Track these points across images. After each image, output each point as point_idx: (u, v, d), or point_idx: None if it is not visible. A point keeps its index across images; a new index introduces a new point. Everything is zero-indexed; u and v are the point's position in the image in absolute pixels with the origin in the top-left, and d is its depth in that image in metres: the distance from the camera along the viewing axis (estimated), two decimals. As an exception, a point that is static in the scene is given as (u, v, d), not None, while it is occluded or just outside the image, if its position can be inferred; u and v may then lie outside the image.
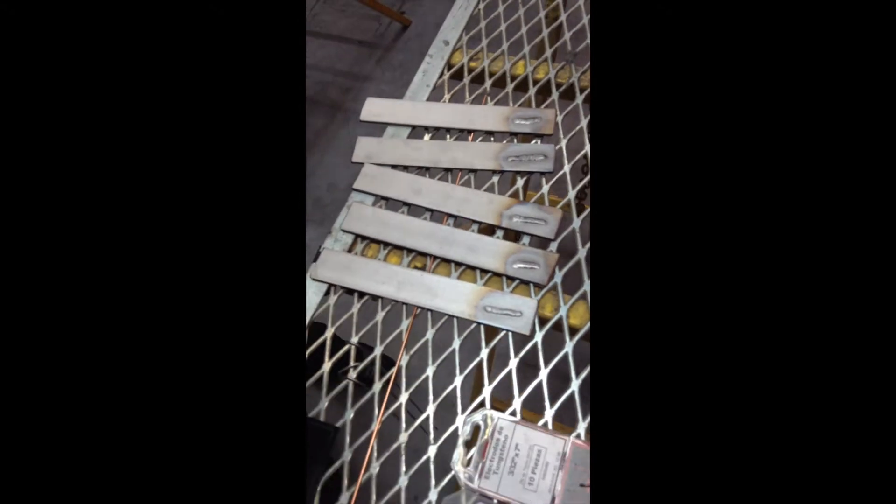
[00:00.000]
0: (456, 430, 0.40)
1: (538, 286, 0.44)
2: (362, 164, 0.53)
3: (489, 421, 0.40)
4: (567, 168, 0.49)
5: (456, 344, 0.44)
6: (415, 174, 0.52)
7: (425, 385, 0.43)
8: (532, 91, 0.54)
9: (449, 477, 0.39)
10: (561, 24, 0.57)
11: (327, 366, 0.45)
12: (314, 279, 0.48)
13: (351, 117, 1.80)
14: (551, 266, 0.45)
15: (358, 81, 1.88)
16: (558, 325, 0.43)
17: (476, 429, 0.40)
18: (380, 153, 0.53)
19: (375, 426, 0.42)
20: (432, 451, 0.40)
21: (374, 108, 0.56)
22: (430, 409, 0.42)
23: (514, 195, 0.49)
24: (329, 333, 0.46)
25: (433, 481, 0.39)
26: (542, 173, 0.49)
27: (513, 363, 0.42)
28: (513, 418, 0.40)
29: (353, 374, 0.44)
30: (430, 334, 0.45)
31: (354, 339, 0.46)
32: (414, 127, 0.54)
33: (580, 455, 0.37)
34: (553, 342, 0.43)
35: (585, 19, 0.56)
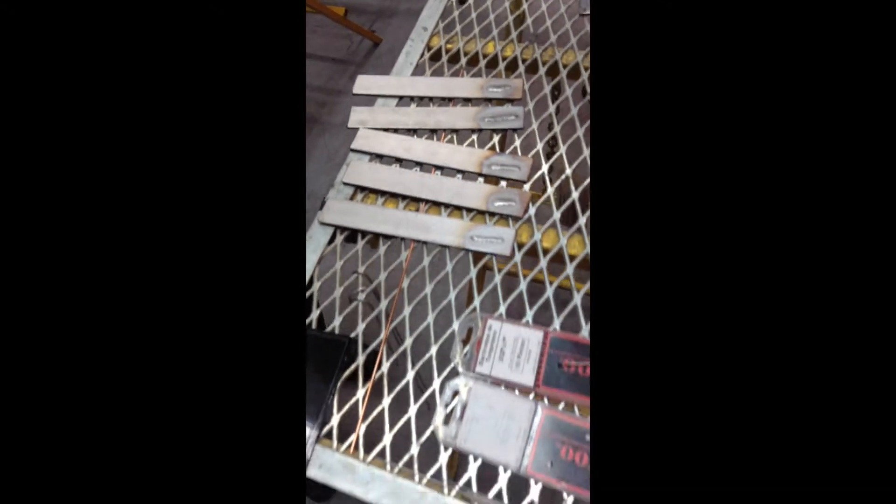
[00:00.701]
0: (453, 332, 0.48)
1: (515, 218, 0.53)
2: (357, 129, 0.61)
3: (480, 322, 0.47)
4: (535, 125, 0.58)
5: (449, 267, 0.52)
6: (404, 136, 0.60)
7: (424, 300, 0.50)
8: (502, 66, 0.63)
9: (449, 368, 0.46)
10: (524, 11, 0.67)
11: (338, 291, 0.52)
12: (322, 223, 0.55)
13: (327, 129, 1.87)
14: (525, 202, 0.53)
15: (333, 96, 1.97)
16: (533, 249, 0.51)
17: (470, 330, 0.48)
18: (372, 119, 0.61)
19: (384, 334, 0.49)
20: (434, 349, 0.48)
21: (364, 83, 0.64)
22: (430, 318, 0.49)
23: (492, 148, 0.58)
24: (338, 266, 0.53)
25: (436, 372, 0.46)
26: (514, 130, 0.58)
27: (497, 278, 0.50)
28: (499, 317, 0.47)
29: (362, 297, 0.51)
30: (426, 261, 0.52)
31: (361, 269, 0.53)
32: (401, 97, 0.63)
33: (557, 342, 0.45)
34: (529, 262, 0.51)
35: (545, 6, 0.66)
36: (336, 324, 0.50)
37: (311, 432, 0.45)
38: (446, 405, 0.44)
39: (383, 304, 0.51)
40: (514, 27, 0.66)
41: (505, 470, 0.41)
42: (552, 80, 0.61)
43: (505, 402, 0.43)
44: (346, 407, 0.46)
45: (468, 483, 0.41)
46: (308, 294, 0.52)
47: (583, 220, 0.51)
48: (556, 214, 0.52)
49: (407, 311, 0.50)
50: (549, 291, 0.49)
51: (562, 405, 0.43)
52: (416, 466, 0.43)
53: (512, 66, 0.64)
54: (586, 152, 0.56)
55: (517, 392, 0.44)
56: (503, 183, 0.55)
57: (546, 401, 0.43)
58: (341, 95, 1.94)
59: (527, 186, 0.55)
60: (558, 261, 0.51)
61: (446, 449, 0.43)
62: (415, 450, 0.43)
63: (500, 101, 0.60)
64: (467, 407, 0.43)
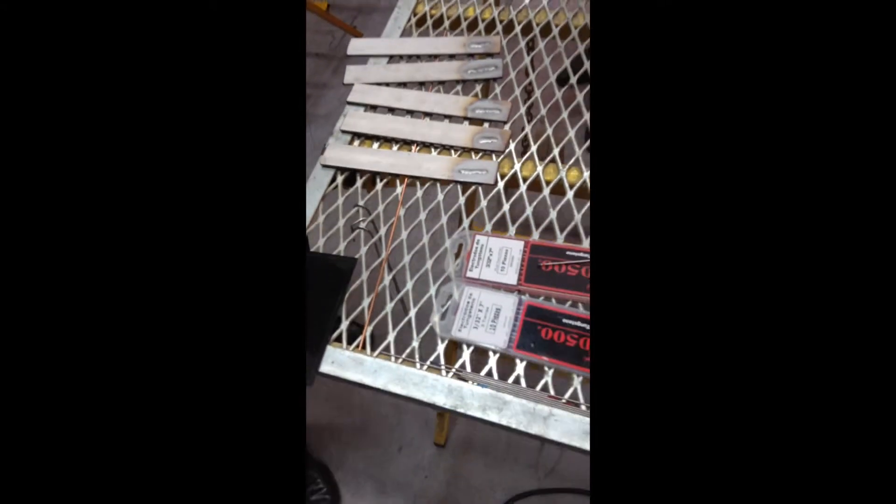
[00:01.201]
0: (446, 249, 0.54)
1: (498, 153, 0.59)
2: (352, 84, 0.67)
3: (469, 238, 0.54)
4: (512, 75, 0.65)
5: (440, 196, 0.58)
6: (395, 88, 0.66)
7: (420, 226, 0.57)
8: (482, 26, 0.70)
9: (443, 277, 0.52)
10: None
11: (342, 222, 0.58)
12: (324, 165, 0.61)
13: (312, 121, 1.93)
14: (506, 139, 0.60)
15: (317, 89, 2.02)
16: (514, 178, 0.58)
17: (460, 246, 0.54)
18: (366, 75, 0.67)
19: (385, 254, 0.55)
20: (429, 263, 0.54)
21: (357, 45, 0.71)
22: (426, 239, 0.55)
23: (475, 96, 0.64)
24: (340, 201, 0.59)
25: (432, 282, 0.52)
26: (495, 79, 0.65)
27: (483, 203, 0.56)
28: (485, 233, 0.54)
29: (363, 225, 0.57)
30: (419, 193, 0.59)
31: (361, 202, 0.59)
32: (391, 56, 0.69)
33: (535, 248, 0.52)
34: (510, 190, 0.57)
35: None
36: (341, 248, 0.56)
37: (332, 348, 0.50)
38: (442, 305, 0.50)
39: (382, 230, 0.57)
40: None
41: (494, 353, 0.47)
42: (526, 37, 0.68)
43: (493, 298, 0.50)
44: (353, 314, 0.52)
45: (463, 365, 0.47)
46: (314, 225, 0.58)
47: (556, 151, 0.58)
48: (534, 148, 0.59)
49: (404, 234, 0.56)
50: (529, 210, 0.55)
51: (541, 298, 0.49)
52: (417, 356, 0.49)
53: (490, 27, 0.70)
54: (559, 94, 0.63)
55: (503, 290, 0.50)
56: (486, 124, 0.62)
57: (528, 295, 0.50)
58: (325, 89, 2.00)
59: (507, 126, 0.61)
60: (536, 188, 0.57)
61: (443, 341, 0.49)
62: (416, 343, 0.49)
63: (482, 56, 0.67)
64: (460, 305, 0.50)
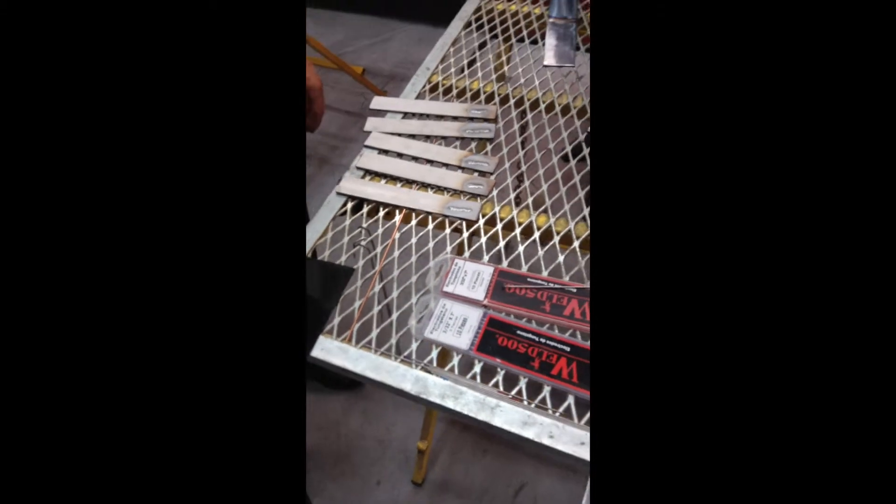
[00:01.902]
0: (430, 268, 0.64)
1: (482, 196, 0.71)
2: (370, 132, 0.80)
3: (450, 261, 0.64)
4: (503, 137, 0.78)
5: (430, 227, 0.69)
6: (405, 138, 0.79)
7: (410, 248, 0.67)
8: (482, 97, 0.84)
9: (424, 290, 0.62)
10: (502, 61, 0.88)
11: (346, 239, 0.69)
12: (338, 193, 0.73)
13: (336, 169, 2.09)
14: (490, 186, 0.72)
15: (343, 142, 2.21)
16: (493, 218, 0.69)
17: (441, 266, 0.64)
18: (382, 126, 0.81)
19: (378, 267, 0.65)
20: (414, 278, 0.64)
21: (379, 101, 0.85)
22: (413, 259, 0.66)
23: (470, 150, 0.77)
24: (347, 223, 0.71)
25: (414, 294, 0.62)
26: (488, 139, 0.78)
27: (465, 234, 0.67)
28: (463, 258, 0.64)
29: (363, 243, 0.68)
30: (413, 223, 0.70)
31: (364, 224, 0.70)
32: (405, 113, 0.83)
33: (503, 274, 0.62)
34: (492, 225, 0.68)
35: (517, 59, 0.88)
36: (342, 259, 0.67)
37: (323, 338, 0.60)
38: (420, 312, 0.60)
39: (378, 249, 0.68)
40: (494, 72, 0.88)
41: (457, 353, 0.57)
42: (518, 109, 0.82)
43: (462, 310, 0.59)
44: (345, 314, 0.62)
45: (430, 361, 0.57)
46: (323, 240, 0.69)
47: (530, 200, 0.70)
48: (512, 195, 0.70)
49: (396, 254, 0.67)
50: (501, 244, 0.66)
51: (502, 313, 0.59)
52: (393, 351, 0.58)
53: (490, 98, 0.84)
54: (538, 156, 0.75)
55: (471, 305, 0.60)
56: (475, 174, 0.74)
57: (491, 310, 0.59)
58: (351, 142, 2.18)
59: (492, 177, 0.73)
60: (510, 227, 0.68)
61: (417, 340, 0.58)
62: (394, 340, 0.59)
63: (480, 120, 0.80)
64: (434, 313, 0.60)
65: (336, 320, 0.61)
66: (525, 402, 0.53)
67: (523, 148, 0.77)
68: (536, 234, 0.67)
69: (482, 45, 0.91)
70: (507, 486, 1.36)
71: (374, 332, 0.60)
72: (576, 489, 1.34)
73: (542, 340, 0.56)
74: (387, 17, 2.77)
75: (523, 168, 0.73)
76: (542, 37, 0.93)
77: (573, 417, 0.52)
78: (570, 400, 0.53)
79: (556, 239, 0.66)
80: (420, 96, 0.86)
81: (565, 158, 0.75)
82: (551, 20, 0.95)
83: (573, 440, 0.50)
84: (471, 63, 0.90)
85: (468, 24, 0.97)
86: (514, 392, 0.53)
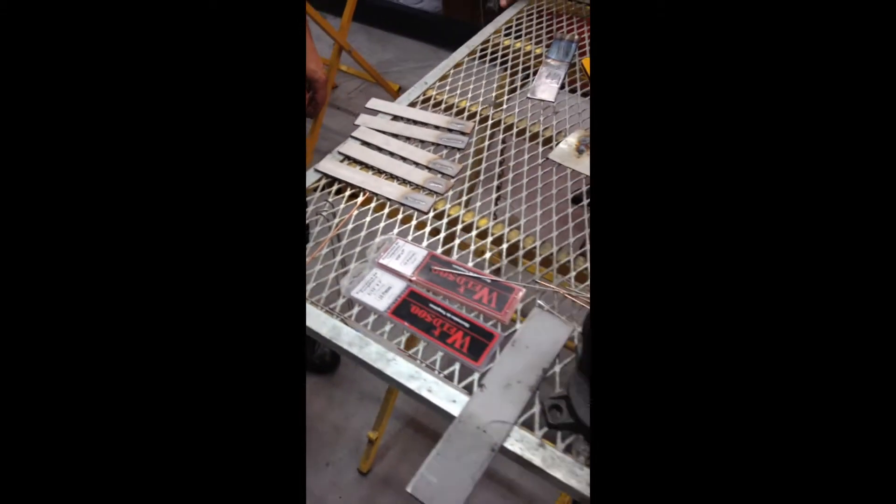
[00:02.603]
0: (374, 243, 0.73)
1: (438, 194, 0.80)
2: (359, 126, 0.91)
3: (392, 240, 0.73)
4: (471, 150, 0.87)
5: (386, 210, 0.79)
6: (388, 136, 0.89)
7: (362, 226, 0.77)
8: (465, 114, 0.94)
9: (363, 260, 0.71)
10: (504, 91, 0.99)
11: (311, 208, 0.79)
12: (315, 170, 0.83)
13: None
14: (448, 187, 0.81)
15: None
16: (441, 213, 0.78)
17: (384, 243, 0.73)
18: (371, 122, 0.91)
19: (332, 233, 0.75)
20: (358, 248, 0.73)
21: (374, 103, 0.96)
22: (363, 233, 0.75)
23: (440, 155, 0.86)
24: (315, 196, 0.81)
25: (355, 260, 0.71)
26: (458, 148, 0.87)
27: (413, 223, 0.76)
28: (405, 240, 0.73)
29: (325, 213, 0.78)
30: (373, 205, 0.79)
31: (330, 199, 0.80)
32: (395, 116, 0.93)
33: (433, 259, 0.70)
34: (439, 220, 0.77)
35: (506, 91, 0.98)
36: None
37: None
38: (354, 276, 0.69)
39: (335, 221, 0.77)
40: (495, 98, 0.98)
41: (374, 314, 0.65)
42: (490, 129, 0.91)
43: (390, 279, 0.68)
44: None
45: (350, 316, 0.65)
46: None
47: (478, 203, 0.78)
48: (464, 198, 0.79)
49: (349, 227, 0.76)
50: (442, 235, 0.75)
51: (424, 289, 0.67)
52: (322, 302, 0.67)
53: (472, 116, 0.94)
54: (498, 170, 0.84)
55: (398, 277, 0.69)
56: (439, 175, 0.83)
57: (413, 285, 0.68)
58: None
59: (453, 180, 0.82)
60: (454, 224, 0.77)
61: (344, 297, 0.67)
62: (324, 294, 0.68)
63: (457, 132, 0.90)
64: (365, 278, 0.68)
65: (283, 270, 0.71)
66: (418, 362, 0.60)
67: (501, 165, 0.86)
68: (473, 232, 0.75)
69: (480, 72, 1.02)
70: (447, 493, 1.40)
71: (311, 285, 0.69)
72: (511, 509, 1.38)
73: (448, 315, 0.64)
74: (436, 45, 2.94)
75: (482, 177, 0.82)
76: (535, 73, 1.03)
77: (454, 381, 0.59)
78: (456, 366, 0.60)
79: (489, 240, 0.74)
80: (412, 105, 0.97)
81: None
82: (548, 60, 1.05)
83: (447, 397, 0.57)
84: (465, 85, 1.00)
85: (473, 52, 1.08)
86: (411, 351, 0.61)
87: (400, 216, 0.79)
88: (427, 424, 1.52)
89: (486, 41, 1.11)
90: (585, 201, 0.78)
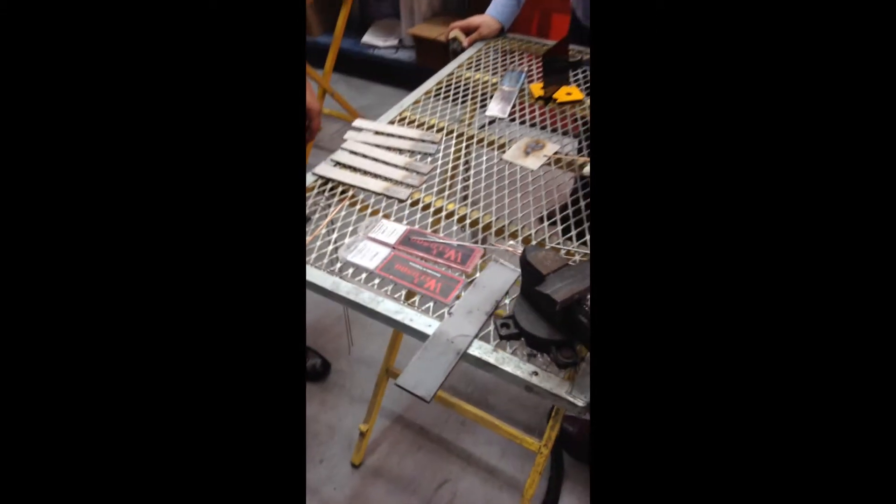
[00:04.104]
0: (362, 224, 0.91)
1: (414, 186, 0.99)
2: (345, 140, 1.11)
3: (377, 221, 0.91)
4: (440, 155, 1.07)
5: (371, 200, 0.97)
6: (371, 146, 1.09)
7: (354, 210, 0.95)
8: (435, 129, 1.15)
9: (356, 235, 0.89)
10: (473, 111, 1.20)
11: (309, 202, 0.97)
12: (312, 173, 1.02)
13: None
14: (420, 181, 1.00)
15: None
16: (416, 201, 0.97)
17: (371, 223, 0.91)
18: (357, 136, 1.11)
19: (329, 217, 0.93)
20: (351, 228, 0.91)
21: (359, 122, 1.16)
22: (354, 216, 0.93)
23: (414, 159, 1.06)
24: (313, 193, 0.99)
25: (348, 236, 0.89)
26: (430, 154, 1.07)
27: (394, 208, 0.95)
28: (388, 220, 0.91)
29: (321, 204, 0.96)
30: (359, 197, 0.98)
31: (326, 195, 0.98)
32: (376, 132, 1.14)
33: (413, 232, 0.89)
34: (414, 207, 0.96)
35: (468, 110, 1.19)
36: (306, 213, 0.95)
37: None
38: (349, 247, 0.87)
39: (331, 210, 0.95)
40: (449, 115, 1.19)
41: (366, 272, 0.82)
42: (458, 142, 1.12)
43: (376, 248, 0.86)
44: None
45: (346, 275, 0.82)
46: None
47: (446, 193, 0.97)
48: (435, 188, 0.99)
49: (343, 213, 0.95)
50: (418, 215, 0.93)
51: (404, 253, 0.85)
52: (324, 266, 0.84)
53: (440, 131, 1.15)
54: (462, 168, 1.03)
55: (384, 246, 0.86)
56: (414, 173, 1.03)
57: (396, 251, 0.86)
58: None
59: (425, 176, 1.02)
60: (428, 208, 0.96)
61: (341, 261, 0.84)
62: (325, 260, 0.85)
63: (428, 142, 1.10)
64: (358, 247, 0.86)
65: (291, 245, 0.88)
66: (401, 302, 0.78)
67: (465, 165, 1.06)
68: (443, 214, 0.94)
69: (447, 98, 1.24)
70: (433, 479, 1.53)
71: (314, 255, 0.86)
72: (492, 491, 1.50)
73: (425, 270, 0.82)
74: (410, 91, 3.22)
75: (448, 174, 1.02)
76: (492, 97, 1.25)
77: (429, 314, 0.76)
78: (431, 304, 0.77)
79: (455, 218, 0.93)
80: (391, 123, 1.17)
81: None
82: (502, 87, 1.28)
83: (424, 324, 0.74)
84: (435, 107, 1.21)
85: (440, 82, 1.30)
86: (395, 295, 0.78)
87: (382, 204, 0.98)
88: (413, 419, 1.66)
89: (451, 73, 1.34)
90: (558, 217, 0.96)
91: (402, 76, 3.27)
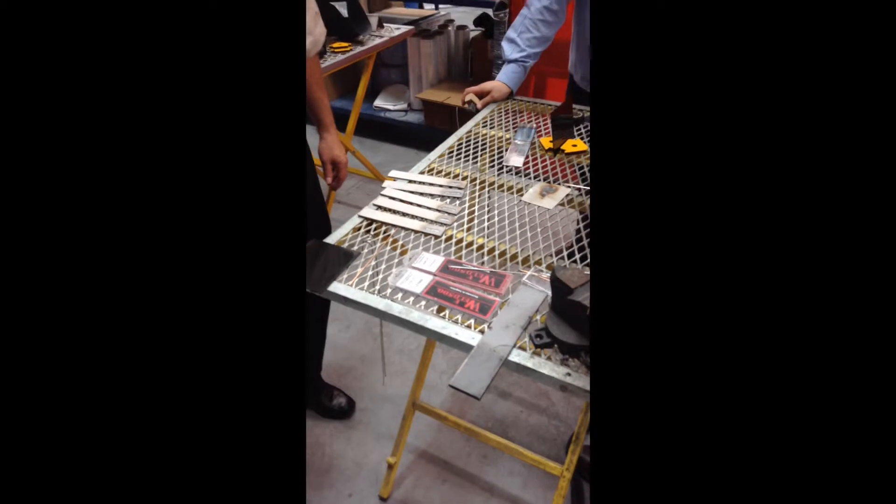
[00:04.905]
0: (405, 257, 1.05)
1: (446, 224, 1.13)
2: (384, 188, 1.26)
3: (419, 254, 1.05)
4: (466, 199, 1.22)
5: (411, 237, 1.11)
6: (407, 192, 1.24)
7: (397, 247, 1.09)
8: (460, 177, 1.30)
9: (402, 266, 1.02)
10: (486, 163, 1.36)
11: (359, 238, 1.11)
12: (359, 216, 1.17)
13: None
14: (452, 220, 1.14)
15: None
16: (450, 237, 1.11)
17: (413, 256, 1.05)
18: (393, 185, 1.27)
19: (376, 252, 1.06)
20: (395, 260, 1.04)
21: (394, 173, 1.32)
22: (397, 252, 1.07)
23: (445, 203, 1.21)
24: (361, 231, 1.13)
25: (394, 268, 1.02)
26: (458, 197, 1.22)
27: (431, 243, 1.09)
28: (428, 253, 1.05)
29: (369, 241, 1.10)
30: (401, 234, 1.12)
31: (371, 236, 1.12)
32: (410, 180, 1.29)
33: (451, 262, 1.02)
34: (448, 241, 1.10)
35: (487, 156, 1.35)
36: (355, 248, 1.08)
37: (336, 283, 1.00)
38: (396, 276, 1.00)
39: (377, 246, 1.09)
40: (479, 164, 1.35)
41: (413, 295, 0.95)
42: (481, 187, 1.27)
43: (421, 275, 0.99)
44: (350, 273, 1.02)
45: (396, 298, 0.95)
46: (345, 239, 1.11)
47: (475, 229, 1.12)
48: (465, 226, 1.13)
49: (387, 249, 1.08)
50: (453, 248, 1.07)
51: (445, 280, 0.98)
52: (376, 291, 0.97)
53: (464, 179, 1.31)
54: (486, 209, 1.18)
55: (426, 273, 1.00)
56: (445, 214, 1.17)
57: (437, 277, 0.99)
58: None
59: (455, 216, 1.16)
60: (460, 243, 1.09)
61: (391, 287, 0.97)
62: (377, 287, 0.98)
63: (455, 188, 1.26)
64: (403, 275, 0.99)
65: (344, 276, 1.01)
66: (445, 319, 0.90)
67: (488, 206, 1.21)
68: (474, 247, 1.08)
69: (467, 153, 1.41)
70: (458, 511, 1.58)
71: (366, 283, 0.99)
72: (516, 522, 1.56)
73: (464, 292, 0.94)
74: (419, 149, 3.44)
75: (475, 217, 1.17)
76: (507, 150, 1.42)
77: (471, 328, 0.88)
78: (472, 320, 0.90)
79: (485, 250, 1.07)
80: (421, 173, 1.33)
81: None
82: (515, 141, 1.45)
83: (468, 336, 0.86)
84: (458, 160, 1.38)
85: (460, 139, 1.48)
86: (440, 314, 0.91)
87: (422, 239, 1.12)
88: (436, 454, 1.73)
89: (469, 131, 1.52)
90: (575, 248, 1.12)
91: (412, 136, 3.51)
